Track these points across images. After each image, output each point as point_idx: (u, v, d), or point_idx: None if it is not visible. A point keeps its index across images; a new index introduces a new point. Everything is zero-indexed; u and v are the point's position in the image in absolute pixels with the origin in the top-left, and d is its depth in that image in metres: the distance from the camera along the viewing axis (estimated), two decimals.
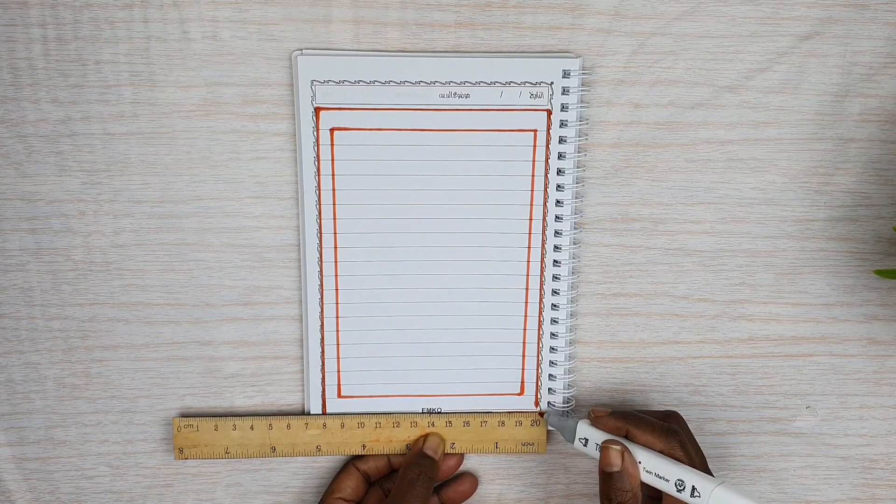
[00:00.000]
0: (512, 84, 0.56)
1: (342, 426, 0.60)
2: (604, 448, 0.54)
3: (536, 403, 0.61)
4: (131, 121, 0.56)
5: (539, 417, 0.60)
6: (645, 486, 0.53)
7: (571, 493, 0.63)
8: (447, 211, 0.58)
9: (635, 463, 0.53)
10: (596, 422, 0.56)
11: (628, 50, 0.56)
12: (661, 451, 0.53)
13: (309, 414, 0.60)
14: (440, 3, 0.55)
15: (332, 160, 0.56)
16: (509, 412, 0.61)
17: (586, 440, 0.56)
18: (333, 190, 0.57)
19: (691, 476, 0.52)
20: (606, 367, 0.61)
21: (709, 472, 0.54)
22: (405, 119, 0.56)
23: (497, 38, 0.56)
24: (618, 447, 0.54)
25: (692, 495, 0.51)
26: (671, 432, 0.54)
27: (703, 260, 0.60)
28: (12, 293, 0.58)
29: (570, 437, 0.57)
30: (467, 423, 0.60)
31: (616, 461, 0.53)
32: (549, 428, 0.60)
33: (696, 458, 0.54)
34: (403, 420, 0.60)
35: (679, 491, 0.52)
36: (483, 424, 0.60)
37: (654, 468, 0.53)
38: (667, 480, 0.52)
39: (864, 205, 0.59)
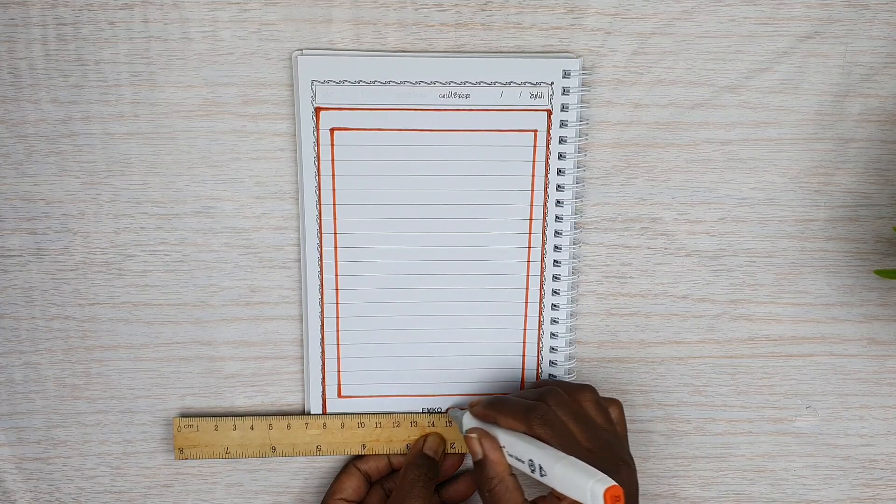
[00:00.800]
0: (512, 84, 0.56)
1: (342, 426, 0.60)
2: (466, 438, 0.54)
3: None
4: (131, 121, 0.56)
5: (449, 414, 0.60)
6: None
7: None
8: (447, 211, 0.58)
9: (497, 448, 0.52)
10: (472, 412, 0.56)
11: (628, 50, 0.56)
12: (525, 433, 0.52)
13: (309, 414, 0.60)
14: (440, 3, 0.55)
15: (332, 160, 0.56)
16: None
17: None
18: (333, 190, 0.57)
19: (540, 455, 0.49)
20: (606, 367, 0.61)
21: (624, 447, 0.52)
22: (405, 119, 0.56)
23: (497, 38, 0.56)
24: (474, 435, 0.53)
25: (541, 475, 0.49)
26: (530, 411, 0.52)
27: (703, 260, 0.60)
28: (12, 293, 0.58)
29: (462, 431, 0.56)
30: None
31: (476, 449, 0.53)
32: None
33: (581, 434, 0.51)
34: (403, 420, 0.60)
35: (532, 471, 0.50)
36: None
37: (513, 451, 0.51)
38: (522, 462, 0.50)
39: (864, 205, 0.59)
